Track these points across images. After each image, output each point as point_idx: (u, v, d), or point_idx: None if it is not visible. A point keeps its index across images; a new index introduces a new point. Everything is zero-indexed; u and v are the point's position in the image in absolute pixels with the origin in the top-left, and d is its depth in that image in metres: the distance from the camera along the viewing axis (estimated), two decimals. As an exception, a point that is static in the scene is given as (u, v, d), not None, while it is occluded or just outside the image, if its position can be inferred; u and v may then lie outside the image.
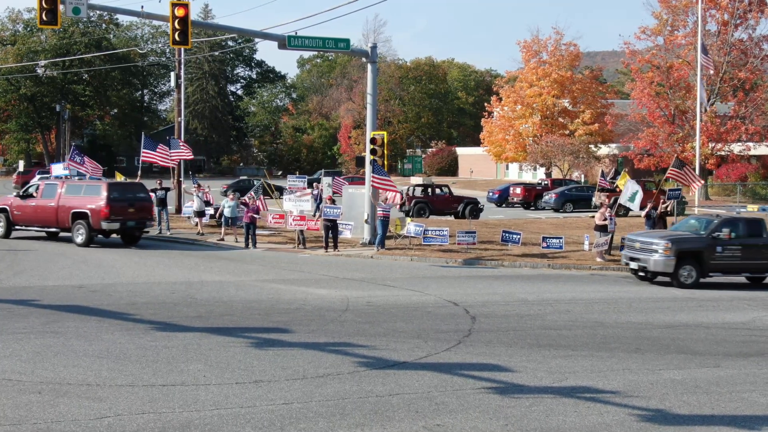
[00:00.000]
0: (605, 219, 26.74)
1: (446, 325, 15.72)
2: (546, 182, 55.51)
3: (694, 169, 44.16)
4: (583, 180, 65.77)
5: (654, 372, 12.50)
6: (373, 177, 27.66)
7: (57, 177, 36.11)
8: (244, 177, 73.75)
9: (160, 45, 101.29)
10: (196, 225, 31.96)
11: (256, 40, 60.64)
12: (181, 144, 34.72)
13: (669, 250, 22.09)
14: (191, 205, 33.19)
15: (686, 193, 45.00)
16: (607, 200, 30.25)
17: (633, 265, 23.09)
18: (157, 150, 33.27)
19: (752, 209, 24.62)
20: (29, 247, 26.22)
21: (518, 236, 27.57)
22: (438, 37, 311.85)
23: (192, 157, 35.81)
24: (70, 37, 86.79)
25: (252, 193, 29.72)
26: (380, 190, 28.15)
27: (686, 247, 22.46)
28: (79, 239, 26.94)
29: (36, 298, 17.25)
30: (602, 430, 9.70)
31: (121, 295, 17.94)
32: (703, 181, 39.96)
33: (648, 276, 22.96)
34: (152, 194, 32.52)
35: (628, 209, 39.27)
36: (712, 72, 49.73)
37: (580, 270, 25.29)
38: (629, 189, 28.83)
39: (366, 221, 28.86)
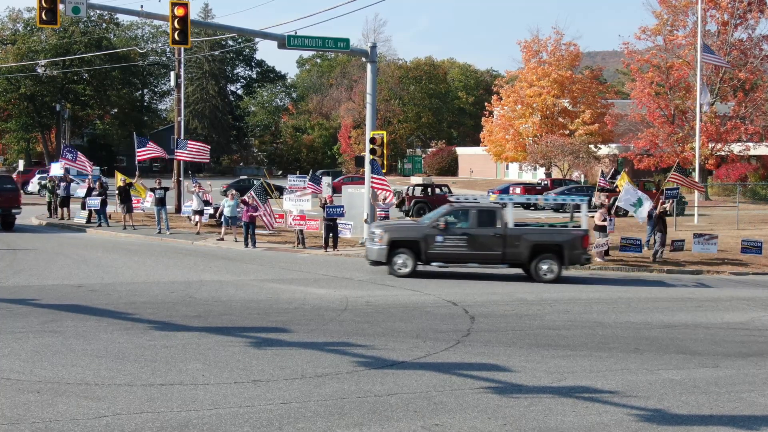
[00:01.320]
0: (604, 219, 26.73)
1: (445, 324, 15.72)
2: (546, 182, 55.51)
3: (694, 170, 44.23)
4: (582, 180, 65.77)
5: (653, 372, 12.50)
6: (373, 177, 27.71)
7: (55, 176, 36.21)
8: (244, 177, 73.74)
9: (160, 44, 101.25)
10: (196, 225, 31.96)
11: (256, 39, 60.65)
12: (189, 144, 34.75)
13: (382, 239, 22.32)
14: (190, 205, 33.20)
15: (687, 193, 45.06)
16: (607, 200, 30.26)
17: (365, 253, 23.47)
18: (147, 146, 33.45)
19: (493, 198, 24.76)
20: (29, 247, 26.21)
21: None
22: (438, 36, 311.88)
23: (208, 160, 35.99)
24: (70, 36, 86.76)
25: (252, 192, 29.73)
26: (379, 191, 28.21)
27: (399, 236, 22.54)
28: None
29: (35, 297, 17.24)
30: (601, 430, 9.69)
31: (120, 295, 17.94)
32: (703, 188, 39.85)
33: (375, 263, 22.86)
34: (151, 194, 32.60)
35: (627, 210, 39.27)
36: (725, 65, 49.47)
37: (579, 270, 25.28)
38: (632, 196, 28.28)
39: (365, 221, 28.85)
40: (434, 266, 22.81)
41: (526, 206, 51.03)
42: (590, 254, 23.39)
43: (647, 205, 27.70)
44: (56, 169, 36.38)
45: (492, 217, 22.49)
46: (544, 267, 22.30)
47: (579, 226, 23.27)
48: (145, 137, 35.95)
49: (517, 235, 22.32)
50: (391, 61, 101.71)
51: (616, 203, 30.47)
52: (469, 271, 23.21)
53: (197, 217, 31.76)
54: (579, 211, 24.22)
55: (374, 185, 27.87)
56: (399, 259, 22.31)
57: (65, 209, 35.20)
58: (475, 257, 22.42)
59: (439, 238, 22.21)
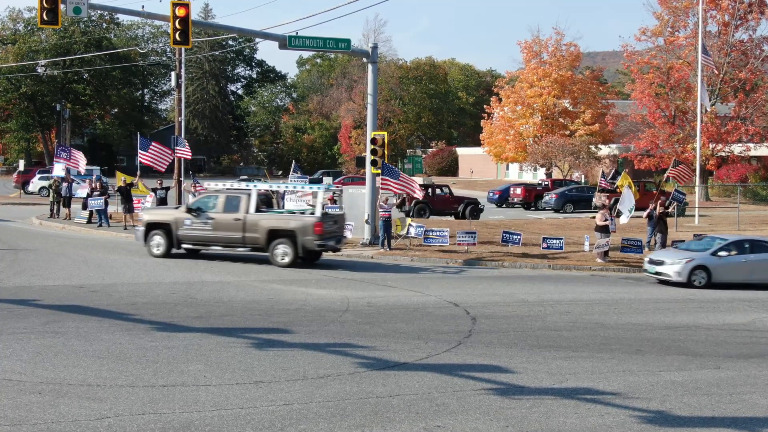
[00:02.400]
0: (606, 220, 26.74)
1: (447, 326, 15.72)
2: (546, 183, 55.45)
3: (694, 170, 44.23)
4: (583, 180, 65.75)
5: (654, 373, 12.50)
6: (383, 179, 27.88)
7: (57, 176, 36.21)
8: (244, 177, 73.71)
9: (160, 45, 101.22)
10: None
11: (257, 39, 60.67)
12: (185, 142, 34.79)
13: (142, 222, 24.83)
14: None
15: (688, 193, 45.06)
16: (607, 201, 30.28)
17: None
18: (149, 150, 33.33)
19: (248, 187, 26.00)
20: (30, 247, 26.21)
21: (518, 237, 27.58)
22: (439, 37, 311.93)
23: (190, 156, 35.80)
24: (71, 36, 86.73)
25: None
26: (393, 191, 28.66)
27: (154, 219, 24.74)
28: None
29: (36, 298, 17.24)
30: (603, 431, 9.69)
31: (121, 296, 17.94)
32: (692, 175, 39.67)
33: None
34: (152, 194, 32.58)
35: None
36: (715, 71, 49.62)
37: (580, 271, 25.30)
38: (628, 201, 28.96)
39: (366, 221, 28.87)
40: (184, 249, 24.42)
41: (527, 207, 51.07)
42: (326, 243, 23.73)
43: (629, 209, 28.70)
44: (58, 169, 36.39)
45: (236, 204, 23.75)
46: (279, 251, 23.31)
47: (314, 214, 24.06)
48: (147, 138, 35.81)
49: (256, 220, 23.47)
50: (391, 61, 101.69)
51: (617, 206, 30.55)
52: (214, 252, 24.35)
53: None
54: (316, 199, 25.21)
55: (389, 187, 28.28)
56: (153, 241, 24.24)
57: (68, 209, 35.22)
58: (219, 240, 23.87)
59: (188, 222, 23.89)
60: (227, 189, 25.00)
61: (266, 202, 25.96)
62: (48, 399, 10.13)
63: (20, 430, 9.03)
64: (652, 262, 23.44)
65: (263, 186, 27.50)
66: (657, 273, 23.08)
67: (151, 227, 24.40)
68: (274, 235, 23.30)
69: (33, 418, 9.38)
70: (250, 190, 24.22)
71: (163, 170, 33.86)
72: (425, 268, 24.71)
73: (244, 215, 23.52)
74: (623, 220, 29.10)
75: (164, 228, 24.23)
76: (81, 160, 35.57)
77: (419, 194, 29.58)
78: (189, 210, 24.10)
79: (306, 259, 23.93)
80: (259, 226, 23.36)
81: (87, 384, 10.86)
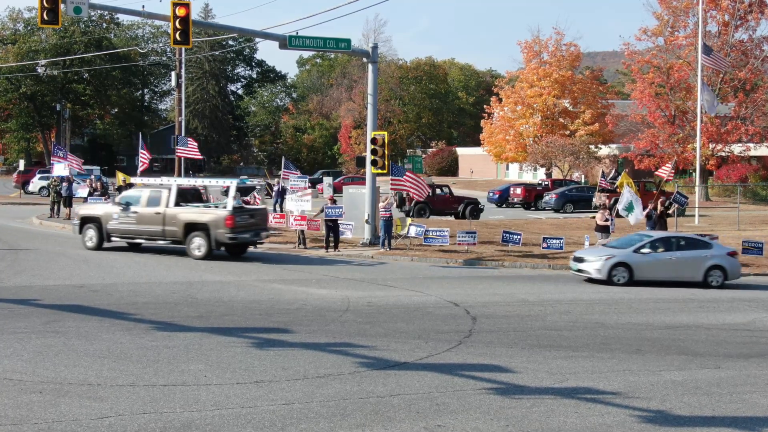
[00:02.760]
0: (606, 220, 26.73)
1: (447, 325, 15.73)
2: (546, 183, 55.45)
3: (694, 170, 44.21)
4: (583, 180, 65.75)
5: (655, 373, 12.51)
6: (393, 179, 28.11)
7: (59, 176, 36.24)
8: (245, 177, 73.65)
9: (160, 44, 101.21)
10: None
11: (257, 39, 60.68)
12: (189, 142, 34.72)
13: (78, 216, 26.32)
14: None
15: (688, 193, 45.07)
16: (607, 201, 30.27)
17: None
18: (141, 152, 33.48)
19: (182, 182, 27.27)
20: (30, 247, 26.23)
21: (519, 237, 27.58)
22: (439, 37, 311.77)
23: (199, 156, 35.82)
24: (71, 36, 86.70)
25: (255, 193, 29.80)
26: (406, 191, 29.09)
27: (87, 213, 26.15)
28: None
29: (37, 297, 17.25)
30: (603, 431, 9.70)
31: (122, 295, 17.95)
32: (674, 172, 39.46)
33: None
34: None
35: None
36: (723, 69, 49.54)
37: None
38: (626, 200, 28.77)
39: (366, 221, 28.87)
40: (126, 243, 25.58)
41: (527, 206, 51.09)
42: (239, 236, 24.47)
43: (638, 210, 28.28)
44: (60, 169, 36.41)
45: (157, 198, 24.82)
46: (195, 244, 24.24)
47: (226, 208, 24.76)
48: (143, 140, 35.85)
49: (174, 214, 24.45)
50: (391, 61, 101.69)
51: (616, 206, 30.57)
52: (139, 242, 25.30)
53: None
54: (227, 195, 26.34)
55: (402, 187, 28.68)
56: (87, 234, 25.54)
57: (69, 209, 35.22)
58: (142, 233, 25.00)
59: (116, 216, 25.11)
60: (152, 185, 26.31)
61: (196, 197, 26.66)
62: (49, 398, 10.14)
63: (21, 429, 9.04)
64: (575, 259, 23.35)
65: (185, 181, 27.93)
66: (579, 270, 23.00)
67: (85, 221, 25.75)
68: (191, 228, 24.30)
69: (34, 418, 9.39)
70: (171, 185, 25.36)
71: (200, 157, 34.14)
72: (425, 268, 24.72)
73: (164, 209, 24.54)
74: (632, 220, 28.87)
75: (95, 222, 25.51)
76: (76, 161, 35.61)
77: (427, 191, 29.93)
78: (118, 204, 25.30)
79: (233, 252, 25.33)
80: (177, 220, 24.38)
81: (88, 383, 10.87)
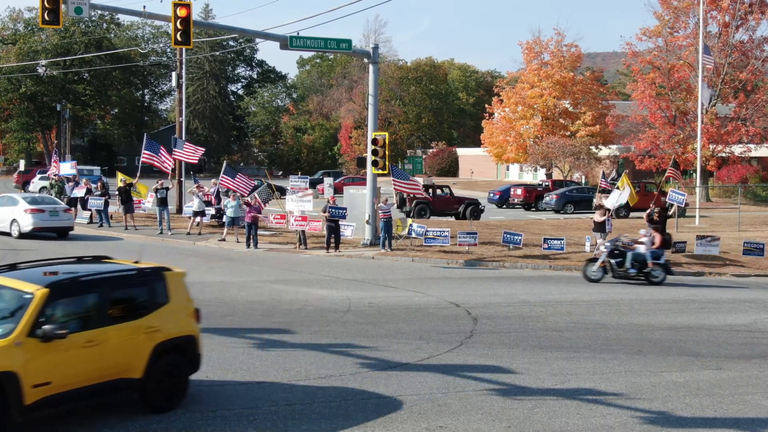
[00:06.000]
0: (604, 215, 26.65)
1: (448, 326, 15.72)
2: (547, 183, 55.44)
3: (695, 170, 44.19)
4: (583, 181, 65.74)
5: (656, 374, 12.51)
6: (394, 180, 28.15)
7: (64, 175, 36.22)
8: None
9: (161, 45, 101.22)
10: (197, 225, 31.90)
11: (257, 39, 60.69)
12: (186, 145, 34.48)
13: None
14: (191, 206, 33.12)
15: (689, 193, 45.06)
16: (604, 200, 30.34)
17: None
18: (160, 153, 33.19)
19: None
20: (31, 247, 26.21)
21: (519, 237, 27.56)
22: (439, 37, 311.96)
23: (197, 161, 35.41)
24: (71, 36, 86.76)
25: (256, 194, 29.75)
26: (405, 193, 29.09)
27: None
28: None
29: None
30: (605, 432, 9.70)
31: (122, 295, 17.90)
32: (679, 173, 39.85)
33: None
34: (153, 194, 32.56)
35: (628, 212, 39.33)
36: (710, 67, 49.57)
37: (581, 271, 25.24)
38: (614, 196, 29.72)
39: (367, 222, 28.86)
40: None
41: (527, 207, 51.08)
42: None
43: (612, 199, 30.31)
44: (66, 168, 36.38)
45: None
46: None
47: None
48: (156, 141, 35.48)
49: None
50: (391, 61, 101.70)
51: (605, 202, 30.91)
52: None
53: (198, 218, 31.71)
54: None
55: (405, 189, 28.93)
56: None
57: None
58: None
59: None
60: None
61: None
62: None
63: (22, 428, 9.03)
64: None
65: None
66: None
67: None
68: None
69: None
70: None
71: (168, 171, 33.74)
72: (426, 269, 24.71)
73: None
74: (608, 203, 29.86)
75: None
76: (69, 164, 35.70)
77: (419, 187, 30.24)
78: None
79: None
80: None
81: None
